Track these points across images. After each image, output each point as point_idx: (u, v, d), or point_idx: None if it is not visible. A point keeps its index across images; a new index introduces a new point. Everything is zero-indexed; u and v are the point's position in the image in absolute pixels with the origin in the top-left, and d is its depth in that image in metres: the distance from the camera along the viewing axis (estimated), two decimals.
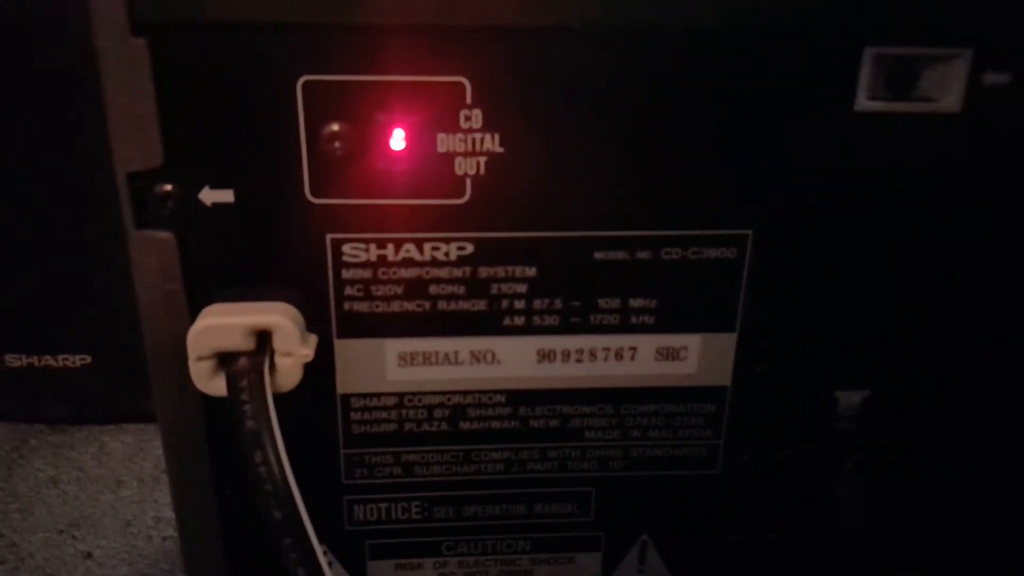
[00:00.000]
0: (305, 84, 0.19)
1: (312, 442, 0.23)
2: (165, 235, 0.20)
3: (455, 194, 0.20)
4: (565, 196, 0.21)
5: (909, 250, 0.22)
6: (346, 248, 0.21)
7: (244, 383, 0.20)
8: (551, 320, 0.22)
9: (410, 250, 0.21)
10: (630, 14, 0.19)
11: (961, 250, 0.22)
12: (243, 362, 0.20)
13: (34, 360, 0.38)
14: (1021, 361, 0.24)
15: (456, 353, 0.22)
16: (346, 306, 0.21)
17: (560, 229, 0.21)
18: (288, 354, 0.21)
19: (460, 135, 0.20)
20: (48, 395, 0.38)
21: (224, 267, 0.21)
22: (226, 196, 0.20)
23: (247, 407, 0.20)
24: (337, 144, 0.20)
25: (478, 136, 0.20)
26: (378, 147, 0.20)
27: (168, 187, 0.19)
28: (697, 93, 0.20)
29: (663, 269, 0.22)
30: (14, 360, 0.37)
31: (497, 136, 0.20)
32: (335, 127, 0.19)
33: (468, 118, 0.20)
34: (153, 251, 0.20)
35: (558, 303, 0.22)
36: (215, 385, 0.20)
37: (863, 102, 0.20)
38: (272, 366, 0.21)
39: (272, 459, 0.20)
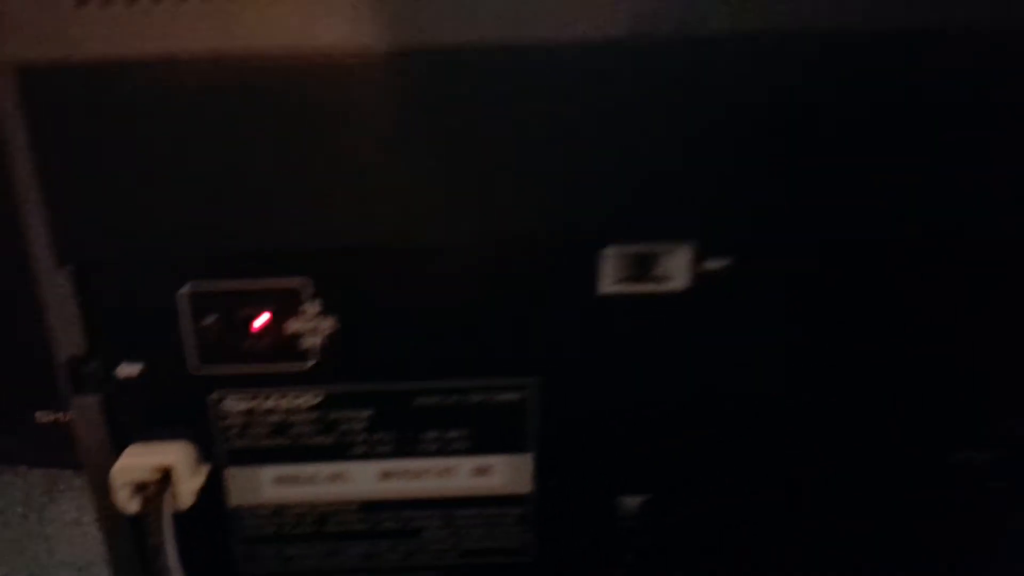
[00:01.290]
0: (191, 292, 0.27)
1: (212, 544, 0.30)
2: (94, 399, 0.28)
3: (305, 360, 0.28)
4: (390, 358, 0.28)
5: (654, 389, 0.29)
6: (227, 401, 0.28)
7: (150, 507, 0.27)
8: (387, 448, 0.29)
9: (274, 401, 0.28)
10: (411, 234, 0.27)
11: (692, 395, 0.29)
12: (150, 490, 0.27)
13: (60, 415, 0.44)
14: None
15: (317, 475, 0.29)
16: (230, 443, 0.29)
17: (388, 382, 0.28)
18: (185, 483, 0.28)
19: (305, 319, 0.27)
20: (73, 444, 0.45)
21: (138, 419, 0.28)
22: (135, 369, 0.27)
23: (151, 525, 0.27)
24: (215, 329, 0.27)
25: (319, 319, 0.27)
26: (245, 330, 0.27)
27: (93, 365, 0.27)
28: (478, 297, 0.27)
29: (470, 408, 0.29)
30: (43, 416, 0.44)
31: (333, 318, 0.27)
32: (212, 318, 0.27)
33: (310, 307, 0.27)
34: (86, 410, 0.28)
35: (392, 435, 0.29)
36: (132, 506, 0.28)
37: (607, 286, 0.28)
38: (174, 492, 0.28)
39: (169, 564, 0.27)
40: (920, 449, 0.30)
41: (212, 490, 0.29)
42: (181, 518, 0.28)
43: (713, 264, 0.28)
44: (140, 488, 0.28)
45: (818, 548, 0.33)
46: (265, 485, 0.30)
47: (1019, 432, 0.30)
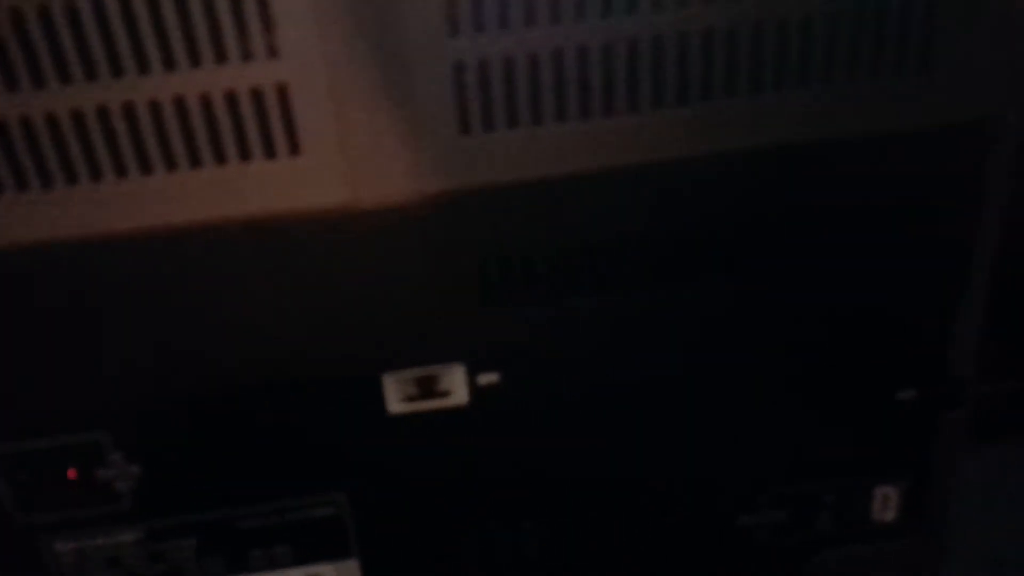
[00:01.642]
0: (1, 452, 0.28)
1: None
2: None
3: (119, 502, 0.29)
4: (204, 490, 0.30)
5: (450, 491, 0.31)
6: (57, 543, 0.30)
7: None
8: (219, 568, 0.31)
9: (101, 540, 0.30)
10: (202, 386, 0.28)
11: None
12: None
13: None
14: None
15: None
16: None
17: (206, 511, 0.30)
18: None
19: (113, 467, 0.29)
20: None
21: None
22: None
23: None
24: (29, 484, 0.29)
25: (125, 465, 0.29)
26: (60, 481, 0.29)
27: None
28: (282, 427, 0.29)
29: (291, 525, 0.31)
30: None
31: (138, 464, 0.29)
32: (25, 474, 0.28)
33: (114, 456, 0.29)
34: None
35: (220, 558, 0.31)
36: None
37: (395, 406, 0.29)
38: None
39: None
40: (710, 513, 0.32)
41: None
42: None
43: (485, 379, 0.29)
44: None
45: None
46: None
47: (808, 492, 0.32)
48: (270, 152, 0.24)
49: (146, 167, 0.24)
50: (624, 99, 0.25)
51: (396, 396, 0.29)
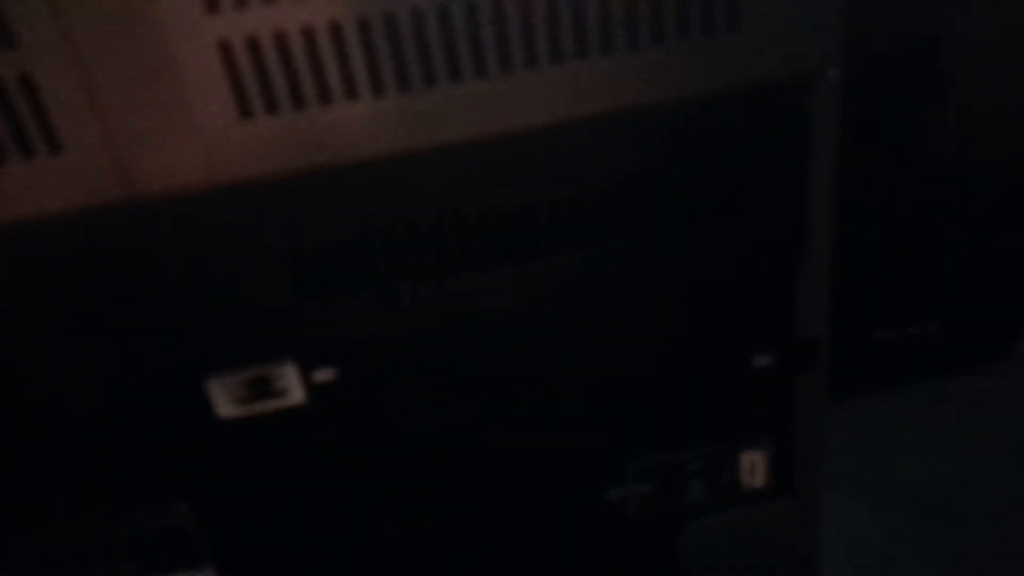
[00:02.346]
0: None
1: None
2: None
3: None
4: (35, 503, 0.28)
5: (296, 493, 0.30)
6: None
7: None
8: None
9: None
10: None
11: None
12: None
13: None
14: None
15: None
16: None
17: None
18: None
19: None
20: None
21: None
22: None
23: None
24: None
25: None
26: None
27: None
28: (110, 436, 0.27)
29: (133, 540, 0.29)
30: None
31: None
32: None
33: None
34: None
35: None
36: None
37: (226, 409, 0.28)
38: None
39: None
40: (580, 489, 0.31)
41: None
42: None
43: (321, 375, 0.28)
44: None
45: None
46: None
47: (675, 461, 0.31)
48: (27, 151, 0.22)
49: None
50: (419, 75, 0.23)
51: (225, 399, 0.28)
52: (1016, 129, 0.56)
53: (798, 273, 0.27)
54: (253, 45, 0.22)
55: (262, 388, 0.28)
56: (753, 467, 0.32)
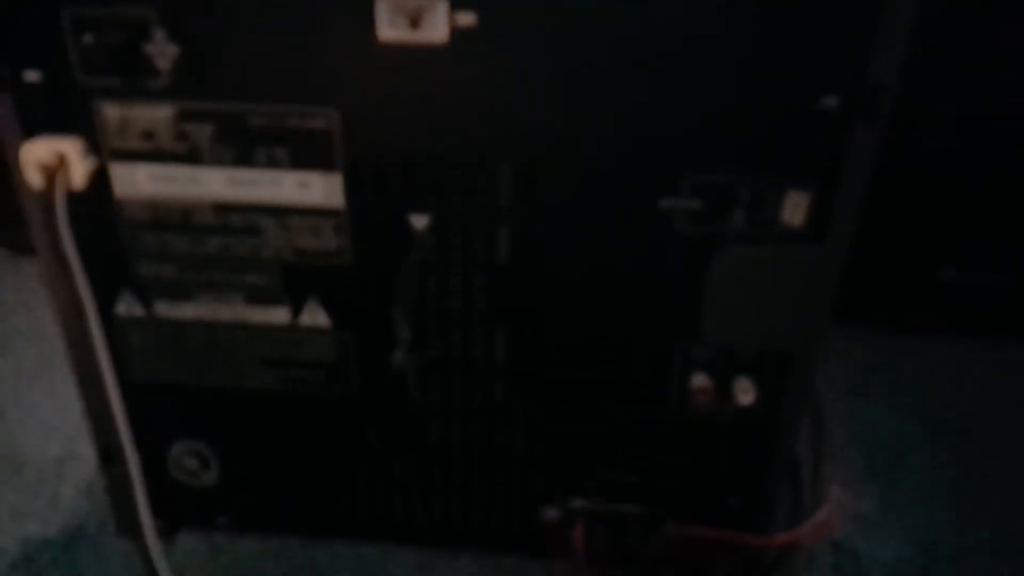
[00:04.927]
0: (71, 14, 0.35)
1: (106, 230, 0.40)
2: (7, 97, 0.37)
3: (159, 78, 0.36)
4: (226, 84, 0.36)
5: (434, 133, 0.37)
6: (105, 108, 0.37)
7: (51, 183, 0.37)
8: (229, 158, 0.38)
9: (139, 111, 0.37)
10: None
11: None
12: (50, 169, 0.37)
13: None
14: None
15: (178, 176, 0.39)
16: (110, 143, 0.38)
17: (224, 102, 0.37)
18: (77, 166, 0.37)
19: (155, 43, 0.35)
20: None
21: (41, 118, 0.37)
22: (36, 76, 0.36)
23: (50, 197, 0.37)
24: (92, 47, 0.35)
25: (166, 44, 0.35)
26: (114, 52, 0.36)
27: (4, 69, 0.36)
28: (287, 36, 0.35)
29: (289, 131, 0.37)
30: None
31: (177, 44, 0.35)
32: (89, 37, 0.35)
33: (158, 32, 0.35)
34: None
35: (231, 148, 0.38)
36: (37, 180, 0.37)
37: (384, 31, 0.35)
38: (69, 174, 0.37)
39: (60, 230, 0.36)
40: (635, 194, 0.37)
41: (102, 186, 0.39)
42: (80, 207, 0.38)
43: (463, 18, 0.34)
44: (44, 168, 0.37)
45: None
46: (140, 181, 0.39)
47: (726, 183, 0.37)
48: None
49: None
50: None
51: (386, 21, 0.35)
52: None
53: (879, 19, 0.32)
54: None
55: (416, 19, 0.35)
56: (795, 207, 0.37)
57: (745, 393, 0.41)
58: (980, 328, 0.70)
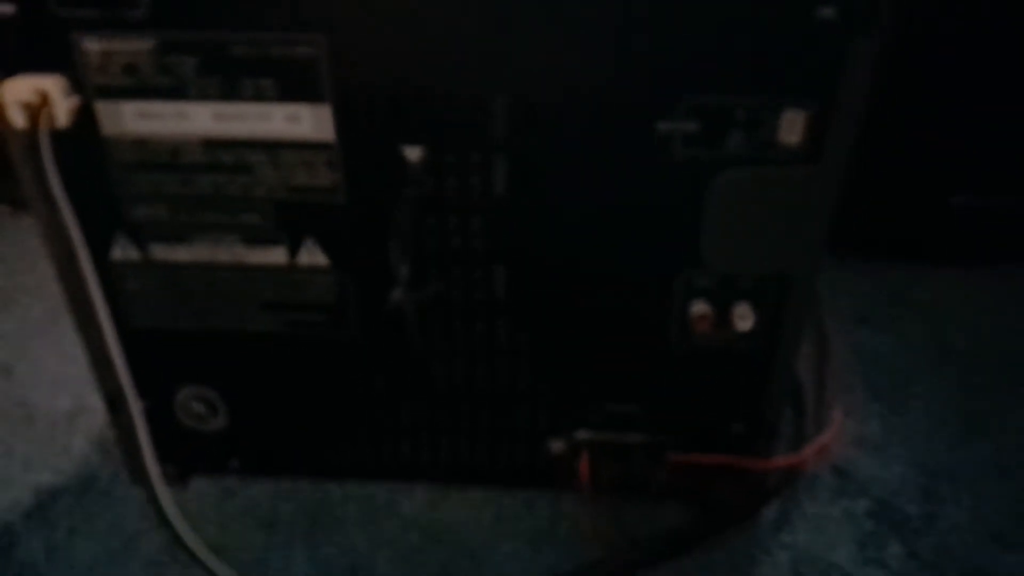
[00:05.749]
0: None
1: (94, 172, 0.40)
2: None
3: (138, 7, 0.35)
4: (206, 11, 0.35)
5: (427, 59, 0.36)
6: (85, 42, 0.36)
7: (34, 121, 0.36)
8: (215, 92, 0.37)
9: (120, 44, 0.36)
10: None
11: None
12: (33, 108, 0.36)
13: None
14: None
15: (164, 112, 0.38)
16: (92, 79, 0.37)
17: (206, 31, 0.36)
18: (60, 104, 0.36)
19: None
20: None
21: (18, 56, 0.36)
22: (9, 9, 0.35)
23: (34, 137, 0.36)
24: None
25: None
26: None
27: None
28: None
29: (275, 60, 0.36)
30: None
31: None
32: None
33: None
34: None
35: (216, 80, 0.37)
36: (20, 120, 0.36)
37: None
38: (52, 113, 0.36)
39: (47, 170, 0.36)
40: (633, 118, 0.36)
41: (89, 127, 0.38)
42: (65, 147, 0.37)
43: None
44: (26, 107, 0.37)
45: None
46: (127, 118, 0.38)
47: (722, 104, 0.36)
48: None
49: None
50: None
51: None
52: None
53: None
54: None
55: None
56: (792, 126, 0.36)
57: (744, 319, 0.41)
58: (991, 255, 0.70)
